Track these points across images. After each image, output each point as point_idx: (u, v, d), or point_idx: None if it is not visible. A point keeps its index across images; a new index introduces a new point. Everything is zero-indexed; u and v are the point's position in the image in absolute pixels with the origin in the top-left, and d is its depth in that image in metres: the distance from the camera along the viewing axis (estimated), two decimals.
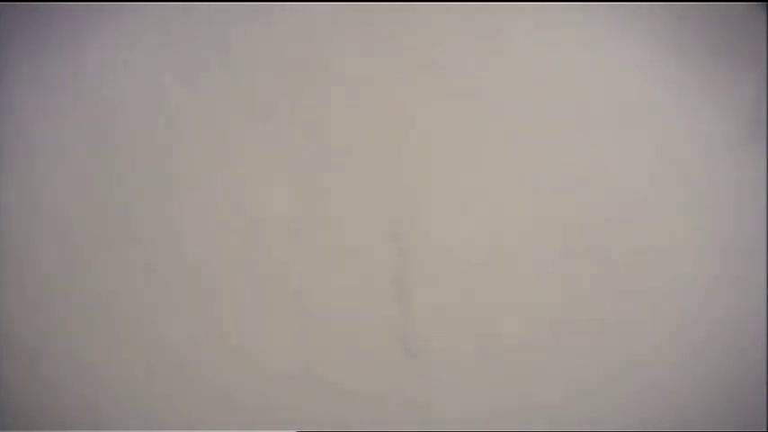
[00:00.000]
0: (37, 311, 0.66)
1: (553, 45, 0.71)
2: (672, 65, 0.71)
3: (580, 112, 0.70)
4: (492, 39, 0.70)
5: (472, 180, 0.68)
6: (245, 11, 0.70)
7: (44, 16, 0.71)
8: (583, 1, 0.72)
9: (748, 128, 0.70)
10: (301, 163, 0.68)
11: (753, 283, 0.67)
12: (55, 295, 0.66)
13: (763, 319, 0.66)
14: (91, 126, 0.69)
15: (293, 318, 0.66)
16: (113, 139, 0.69)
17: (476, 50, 0.70)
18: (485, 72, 0.70)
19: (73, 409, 0.65)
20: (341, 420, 0.64)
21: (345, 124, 0.69)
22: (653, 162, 0.69)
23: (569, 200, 0.68)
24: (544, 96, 0.69)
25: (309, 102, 0.69)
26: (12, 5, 0.71)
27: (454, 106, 0.69)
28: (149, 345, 0.65)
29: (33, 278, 0.67)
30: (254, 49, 0.70)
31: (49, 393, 0.65)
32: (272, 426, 0.64)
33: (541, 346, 0.66)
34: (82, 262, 0.67)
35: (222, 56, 0.70)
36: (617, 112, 0.70)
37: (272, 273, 0.67)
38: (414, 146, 0.68)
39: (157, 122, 0.69)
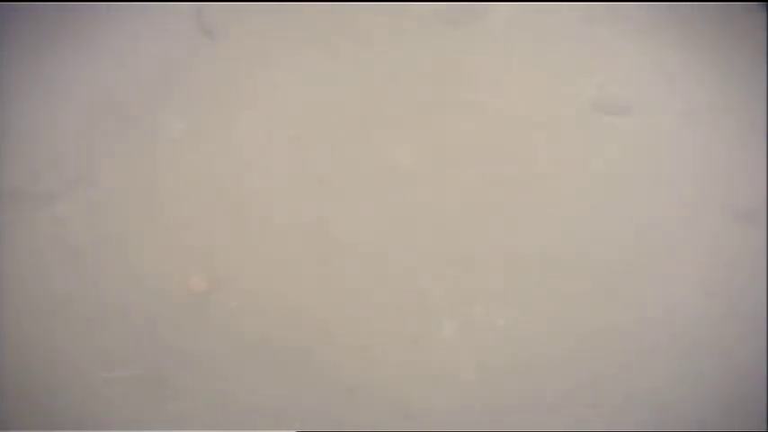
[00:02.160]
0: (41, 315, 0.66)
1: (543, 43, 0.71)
2: (670, 65, 0.72)
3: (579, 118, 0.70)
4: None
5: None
6: None
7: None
8: (582, 0, 0.73)
9: (746, 129, 0.70)
10: None
11: (753, 284, 0.67)
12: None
13: (764, 319, 0.66)
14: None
15: None
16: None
17: None
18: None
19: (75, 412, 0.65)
20: None
21: None
22: (647, 163, 0.69)
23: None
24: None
25: None
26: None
27: None
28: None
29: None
30: None
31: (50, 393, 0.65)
32: None
33: (543, 353, 0.66)
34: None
35: None
36: (613, 113, 0.70)
37: None
38: None
39: None
